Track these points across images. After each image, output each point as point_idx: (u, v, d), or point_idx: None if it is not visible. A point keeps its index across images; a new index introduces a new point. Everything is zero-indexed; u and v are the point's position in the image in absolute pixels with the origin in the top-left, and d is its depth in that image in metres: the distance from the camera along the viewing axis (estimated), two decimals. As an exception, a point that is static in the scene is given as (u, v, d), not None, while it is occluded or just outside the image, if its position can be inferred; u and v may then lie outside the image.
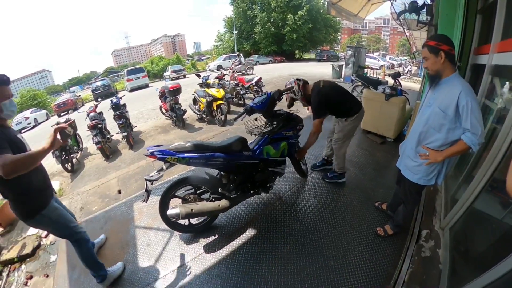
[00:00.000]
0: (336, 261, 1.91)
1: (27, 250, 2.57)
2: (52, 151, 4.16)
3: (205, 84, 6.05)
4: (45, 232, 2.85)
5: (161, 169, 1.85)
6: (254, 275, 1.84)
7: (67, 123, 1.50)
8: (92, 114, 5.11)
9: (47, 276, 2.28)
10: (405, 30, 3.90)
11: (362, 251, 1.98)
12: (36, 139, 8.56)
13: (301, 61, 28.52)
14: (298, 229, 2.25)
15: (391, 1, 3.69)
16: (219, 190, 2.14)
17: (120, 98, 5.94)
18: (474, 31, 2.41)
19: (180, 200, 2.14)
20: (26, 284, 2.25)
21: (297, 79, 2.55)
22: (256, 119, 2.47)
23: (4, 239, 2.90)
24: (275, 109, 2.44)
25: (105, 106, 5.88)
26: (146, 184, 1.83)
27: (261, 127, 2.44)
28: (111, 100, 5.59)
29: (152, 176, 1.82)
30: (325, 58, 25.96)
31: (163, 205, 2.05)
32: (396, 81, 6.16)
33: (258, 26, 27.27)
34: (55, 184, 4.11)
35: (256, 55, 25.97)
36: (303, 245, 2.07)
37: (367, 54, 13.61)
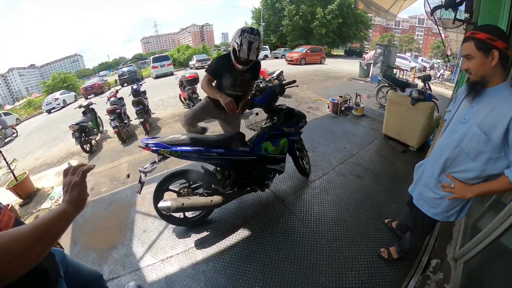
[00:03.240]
0: (328, 279, 1.76)
1: (39, 222, 2.73)
2: (72, 131, 4.45)
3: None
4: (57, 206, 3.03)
5: (155, 161, 1.83)
6: (239, 279, 1.78)
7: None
8: (112, 99, 5.32)
9: None
10: (440, 29, 3.50)
11: (360, 272, 1.80)
12: (63, 119, 9.23)
13: (329, 57, 27.27)
14: (295, 237, 2.12)
15: None
16: (212, 186, 2.08)
17: (141, 85, 6.12)
18: (522, 31, 2.04)
19: (175, 194, 2.12)
20: None
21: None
22: (257, 114, 2.36)
23: (22, 210, 3.13)
24: (277, 104, 2.29)
25: (126, 91, 6.08)
26: (140, 175, 1.83)
27: (261, 122, 2.33)
28: (132, 87, 5.79)
29: (146, 167, 1.81)
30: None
31: (157, 198, 2.05)
32: (426, 84, 5.65)
33: (286, 19, 26.60)
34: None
35: (283, 49, 25.42)
36: (296, 255, 1.94)
37: (398, 54, 12.65)
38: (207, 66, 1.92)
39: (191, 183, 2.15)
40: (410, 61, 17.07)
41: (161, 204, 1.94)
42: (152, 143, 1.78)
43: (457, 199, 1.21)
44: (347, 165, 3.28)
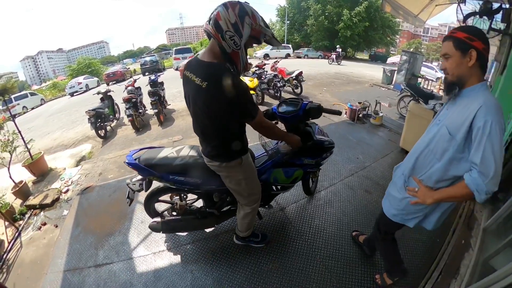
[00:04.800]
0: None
1: (48, 200, 2.89)
2: (88, 117, 4.62)
3: (239, 72, 5.99)
4: (66, 188, 3.16)
5: (142, 182, 1.65)
6: (224, 284, 1.74)
7: None
8: (129, 88, 5.46)
9: (56, 226, 2.56)
10: None
11: (352, 296, 1.67)
12: (84, 103, 9.62)
13: (353, 60, 26.59)
14: (289, 249, 2.01)
15: (458, 2, 3.02)
16: (207, 210, 1.87)
17: (159, 76, 6.23)
18: None
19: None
20: (39, 228, 2.57)
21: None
22: None
23: (34, 187, 3.30)
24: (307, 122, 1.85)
25: (145, 81, 6.22)
26: (128, 191, 1.67)
27: (278, 141, 1.95)
28: (150, 77, 5.90)
29: (134, 183, 1.65)
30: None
31: (148, 206, 1.95)
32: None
33: (311, 18, 26.04)
34: (87, 147, 4.55)
35: (306, 48, 25.01)
36: (287, 269, 1.84)
37: (424, 63, 11.94)
38: (255, 106, 1.25)
39: (184, 196, 1.98)
40: (436, 71, 16.10)
41: (151, 224, 1.87)
42: (139, 166, 1.54)
43: (420, 205, 1.17)
44: (357, 177, 3.07)
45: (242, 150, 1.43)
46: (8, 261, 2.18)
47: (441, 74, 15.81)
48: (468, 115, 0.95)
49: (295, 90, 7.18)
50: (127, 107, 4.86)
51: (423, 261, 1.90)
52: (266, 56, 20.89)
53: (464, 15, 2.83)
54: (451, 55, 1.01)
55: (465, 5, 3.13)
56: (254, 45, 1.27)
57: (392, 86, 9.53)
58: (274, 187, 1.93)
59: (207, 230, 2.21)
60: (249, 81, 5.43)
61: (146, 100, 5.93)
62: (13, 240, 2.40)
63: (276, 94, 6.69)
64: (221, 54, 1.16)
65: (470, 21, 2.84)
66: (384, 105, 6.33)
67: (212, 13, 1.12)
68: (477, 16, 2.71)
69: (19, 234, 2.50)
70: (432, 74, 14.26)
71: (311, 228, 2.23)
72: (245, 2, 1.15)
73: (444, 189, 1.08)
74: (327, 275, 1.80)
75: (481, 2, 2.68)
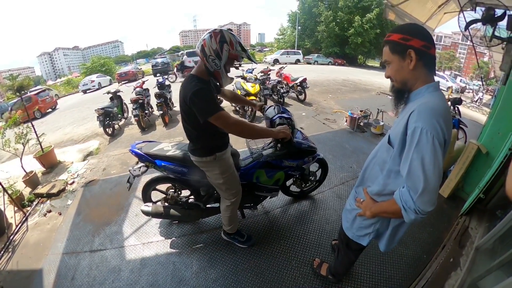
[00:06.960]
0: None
1: (54, 190, 3.13)
2: (97, 115, 4.91)
3: (242, 77, 6.16)
4: (72, 180, 3.40)
5: (141, 167, 1.92)
6: (201, 277, 1.87)
7: None
8: (138, 89, 5.75)
9: (60, 214, 2.79)
10: (475, 47, 3.11)
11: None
12: (95, 101, 10.00)
13: (363, 67, 26.35)
14: (267, 251, 2.06)
15: (462, 10, 2.93)
16: (194, 201, 2.11)
17: (166, 78, 6.50)
18: None
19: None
20: (45, 215, 2.80)
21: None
22: None
23: (43, 177, 3.56)
24: (284, 113, 1.95)
25: (155, 82, 6.42)
26: (129, 176, 1.92)
27: (262, 143, 2.12)
28: (157, 80, 6.17)
29: (135, 170, 1.90)
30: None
31: (145, 194, 2.18)
32: (455, 108, 5.21)
33: (322, 25, 26.10)
34: (94, 143, 4.82)
35: (316, 54, 25.09)
36: (262, 270, 1.89)
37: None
38: (210, 107, 1.35)
39: (177, 187, 2.18)
40: (447, 80, 15.79)
41: (143, 207, 2.11)
42: (139, 153, 1.90)
43: (365, 218, 1.11)
44: (347, 186, 2.98)
45: (216, 148, 1.60)
46: (14, 242, 2.41)
47: (452, 83, 15.56)
48: (404, 121, 0.85)
49: (299, 97, 7.24)
50: (134, 107, 5.12)
51: (405, 277, 1.82)
52: (276, 61, 21.11)
53: (467, 21, 2.73)
54: (390, 61, 0.93)
55: (475, 12, 2.97)
56: (235, 63, 1.52)
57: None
58: (260, 190, 2.07)
59: (193, 226, 2.35)
60: (250, 86, 5.58)
61: (154, 101, 6.20)
62: (20, 224, 2.64)
63: (280, 100, 6.72)
64: (206, 71, 1.40)
65: (480, 30, 2.73)
66: (390, 114, 6.27)
67: (200, 40, 1.37)
68: (480, 23, 2.63)
69: (26, 219, 2.74)
70: (442, 84, 14.05)
71: (292, 233, 2.24)
72: (228, 29, 1.39)
73: (380, 203, 1.01)
74: (300, 281, 1.81)
75: (483, 9, 2.61)
